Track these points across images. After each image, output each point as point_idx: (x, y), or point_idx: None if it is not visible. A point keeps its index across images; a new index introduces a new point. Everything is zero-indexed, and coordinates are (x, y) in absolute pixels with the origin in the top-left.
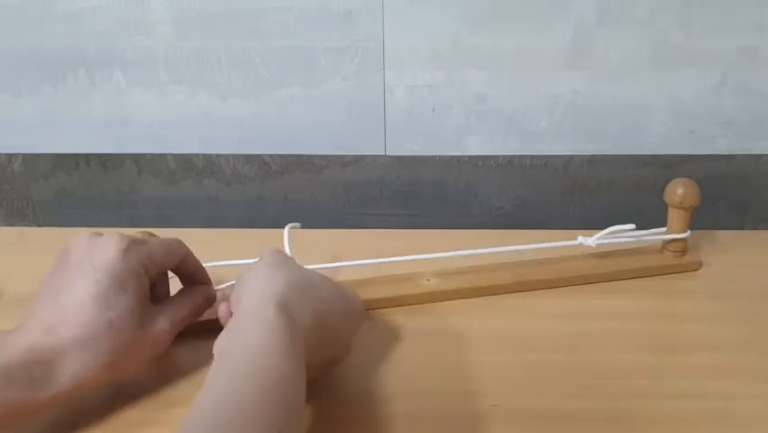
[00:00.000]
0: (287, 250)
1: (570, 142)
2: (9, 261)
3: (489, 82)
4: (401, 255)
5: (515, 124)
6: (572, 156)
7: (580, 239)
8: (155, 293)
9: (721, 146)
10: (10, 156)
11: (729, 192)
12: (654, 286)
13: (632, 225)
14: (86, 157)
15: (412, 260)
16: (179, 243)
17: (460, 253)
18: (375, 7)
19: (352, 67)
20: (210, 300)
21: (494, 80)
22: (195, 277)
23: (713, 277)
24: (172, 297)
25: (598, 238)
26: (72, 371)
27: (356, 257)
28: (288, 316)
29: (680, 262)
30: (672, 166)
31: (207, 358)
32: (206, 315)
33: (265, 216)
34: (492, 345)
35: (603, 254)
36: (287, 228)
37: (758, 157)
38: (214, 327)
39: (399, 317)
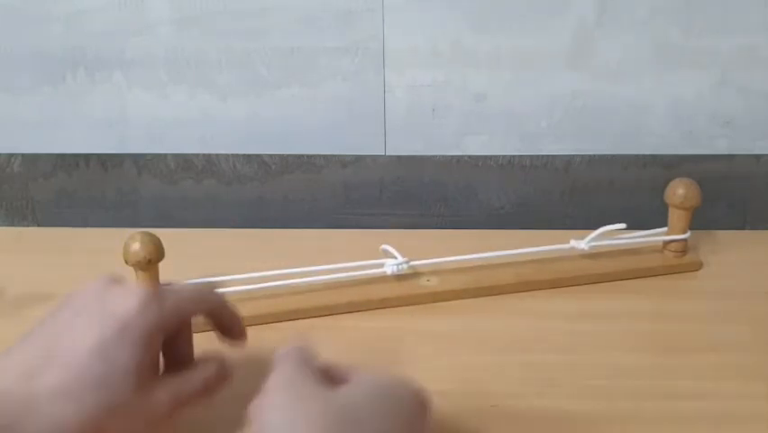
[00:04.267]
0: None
1: (570, 143)
2: (9, 261)
3: (489, 82)
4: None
5: (515, 124)
6: (572, 156)
7: (572, 242)
8: (175, 350)
9: (721, 146)
10: (10, 156)
11: (729, 192)
12: (655, 286)
13: (622, 225)
14: (86, 157)
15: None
16: (212, 291)
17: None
18: (375, 7)
19: (352, 67)
20: (225, 375)
21: (494, 80)
22: (229, 330)
23: (713, 277)
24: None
25: (590, 241)
26: (42, 427)
27: (357, 257)
28: None
29: (680, 262)
30: (671, 166)
31: None
32: None
33: (265, 216)
34: (492, 345)
35: (603, 255)
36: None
37: (758, 157)
38: None
39: (399, 318)
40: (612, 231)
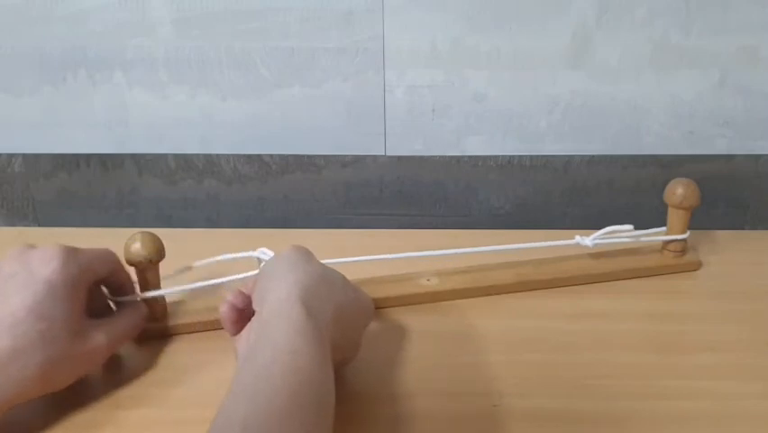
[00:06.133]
0: None
1: (569, 143)
2: None
3: (488, 82)
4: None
5: (514, 124)
6: (572, 156)
7: (578, 238)
8: (93, 306)
9: (721, 146)
10: (10, 156)
11: (729, 192)
12: (654, 286)
13: (630, 226)
14: (87, 157)
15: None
16: (111, 252)
17: (459, 251)
18: (375, 7)
19: (352, 67)
20: (144, 318)
21: (494, 80)
22: (123, 290)
23: (713, 277)
24: (112, 313)
25: (595, 238)
26: (2, 388)
27: (357, 257)
28: (314, 315)
29: (679, 262)
30: (671, 166)
31: (156, 359)
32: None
33: (265, 216)
34: (492, 345)
35: (603, 254)
36: None
37: (758, 157)
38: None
39: (399, 318)
40: (611, 231)
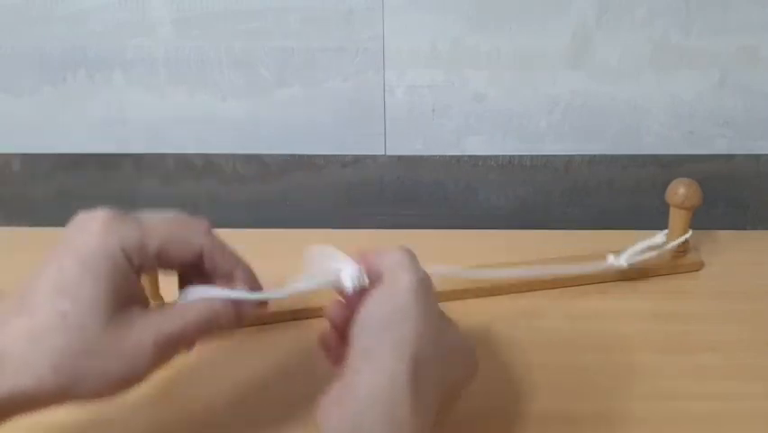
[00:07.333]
0: None
1: (569, 143)
2: (8, 261)
3: (488, 82)
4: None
5: (514, 124)
6: (572, 156)
7: (610, 259)
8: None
9: (721, 146)
10: (9, 156)
11: (729, 192)
12: (656, 286)
13: (662, 236)
14: (86, 157)
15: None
16: (198, 228)
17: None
18: (375, 7)
19: (351, 67)
20: (222, 318)
21: (494, 80)
22: (229, 279)
23: (714, 277)
24: (174, 304)
25: (630, 258)
26: (11, 374)
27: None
28: (420, 411)
29: (681, 262)
30: (671, 166)
31: None
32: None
33: (265, 216)
34: (492, 345)
35: (603, 254)
36: None
37: (758, 157)
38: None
39: None
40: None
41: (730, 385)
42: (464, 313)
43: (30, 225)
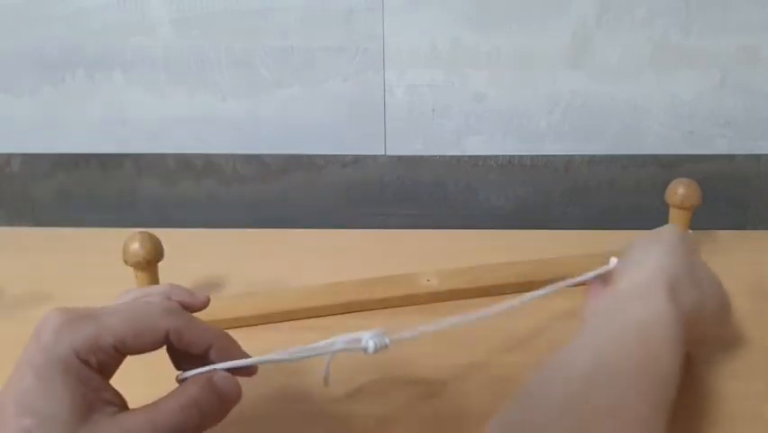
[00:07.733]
0: None
1: (569, 142)
2: (8, 261)
3: (488, 82)
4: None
5: (514, 123)
6: (572, 156)
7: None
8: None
9: (721, 146)
10: (9, 156)
11: (729, 192)
12: None
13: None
14: (86, 157)
15: None
16: (161, 312)
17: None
18: (375, 7)
19: (351, 67)
20: (218, 396)
21: (494, 80)
22: (204, 356)
23: None
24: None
25: None
26: None
27: (357, 257)
28: (677, 304)
29: None
30: (671, 166)
31: None
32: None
33: (265, 216)
34: (492, 345)
35: (603, 254)
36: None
37: (758, 157)
38: None
39: (399, 318)
40: None
41: (730, 385)
42: (464, 312)
43: (30, 225)
